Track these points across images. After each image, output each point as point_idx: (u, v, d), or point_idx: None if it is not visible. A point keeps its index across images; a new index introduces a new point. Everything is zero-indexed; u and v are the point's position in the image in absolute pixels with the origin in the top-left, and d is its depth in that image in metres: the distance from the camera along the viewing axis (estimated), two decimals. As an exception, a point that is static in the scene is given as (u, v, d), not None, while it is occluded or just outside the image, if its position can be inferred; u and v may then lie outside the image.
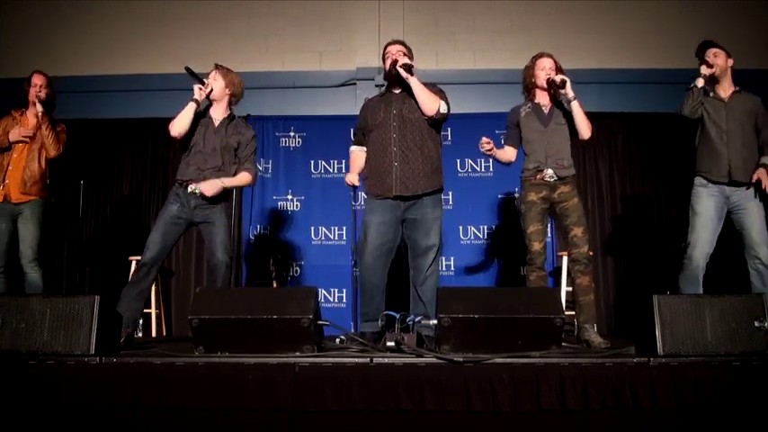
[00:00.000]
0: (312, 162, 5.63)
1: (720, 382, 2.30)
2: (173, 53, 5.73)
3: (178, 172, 3.63)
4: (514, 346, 2.50)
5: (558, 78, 3.43)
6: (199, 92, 3.58)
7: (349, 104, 5.61)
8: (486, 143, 3.49)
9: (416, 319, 2.99)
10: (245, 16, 5.87)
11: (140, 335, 4.79)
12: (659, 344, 2.43)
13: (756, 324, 2.46)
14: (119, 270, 5.22)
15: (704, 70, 3.58)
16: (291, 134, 5.69)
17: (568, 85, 3.42)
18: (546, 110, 3.58)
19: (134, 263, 4.97)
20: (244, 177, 3.68)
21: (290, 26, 5.88)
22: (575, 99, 3.44)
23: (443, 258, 5.37)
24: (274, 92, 5.73)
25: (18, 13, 5.95)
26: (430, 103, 3.40)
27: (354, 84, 5.70)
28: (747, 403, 2.29)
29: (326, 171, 5.58)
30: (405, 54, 3.55)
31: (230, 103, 3.76)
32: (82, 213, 4.25)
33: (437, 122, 3.50)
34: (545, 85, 3.54)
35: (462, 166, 5.53)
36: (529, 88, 3.65)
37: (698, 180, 3.61)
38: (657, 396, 2.28)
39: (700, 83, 3.58)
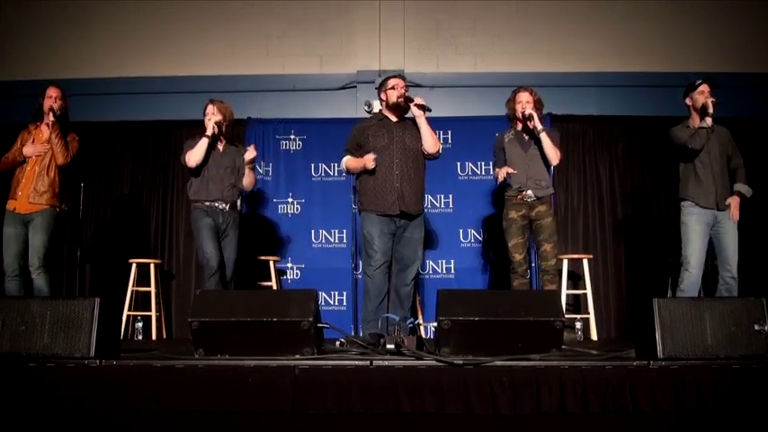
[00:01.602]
0: (312, 165, 5.62)
1: (720, 386, 2.31)
2: (173, 56, 5.74)
3: (196, 194, 4.01)
4: (514, 348, 2.50)
5: (527, 113, 3.89)
6: (211, 129, 4.00)
7: (349, 107, 5.62)
8: (505, 173, 3.91)
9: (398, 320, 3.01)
10: (245, 19, 5.87)
11: (140, 338, 4.79)
12: (659, 347, 2.43)
13: (756, 327, 2.46)
14: (119, 272, 5.22)
15: (711, 109, 3.81)
16: (292, 137, 5.68)
17: (535, 119, 3.87)
18: (526, 137, 4.00)
19: (134, 265, 4.98)
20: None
21: (290, 29, 5.89)
22: (542, 131, 3.88)
23: (443, 261, 5.43)
24: (275, 95, 5.73)
25: (20, 17, 5.96)
26: (434, 144, 3.76)
27: (355, 87, 5.70)
28: (747, 406, 2.29)
29: (327, 174, 5.58)
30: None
31: (228, 129, 4.17)
32: (82, 215, 4.26)
33: (430, 158, 3.81)
34: (521, 117, 3.96)
35: (463, 170, 5.53)
36: (510, 118, 4.08)
37: (687, 203, 3.91)
38: (657, 399, 2.28)
39: (709, 122, 3.82)
